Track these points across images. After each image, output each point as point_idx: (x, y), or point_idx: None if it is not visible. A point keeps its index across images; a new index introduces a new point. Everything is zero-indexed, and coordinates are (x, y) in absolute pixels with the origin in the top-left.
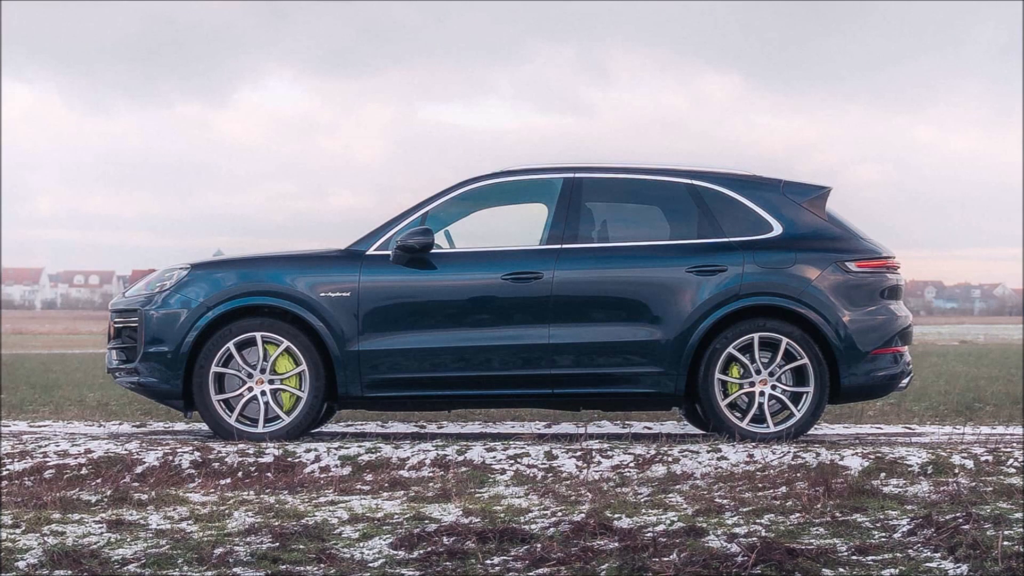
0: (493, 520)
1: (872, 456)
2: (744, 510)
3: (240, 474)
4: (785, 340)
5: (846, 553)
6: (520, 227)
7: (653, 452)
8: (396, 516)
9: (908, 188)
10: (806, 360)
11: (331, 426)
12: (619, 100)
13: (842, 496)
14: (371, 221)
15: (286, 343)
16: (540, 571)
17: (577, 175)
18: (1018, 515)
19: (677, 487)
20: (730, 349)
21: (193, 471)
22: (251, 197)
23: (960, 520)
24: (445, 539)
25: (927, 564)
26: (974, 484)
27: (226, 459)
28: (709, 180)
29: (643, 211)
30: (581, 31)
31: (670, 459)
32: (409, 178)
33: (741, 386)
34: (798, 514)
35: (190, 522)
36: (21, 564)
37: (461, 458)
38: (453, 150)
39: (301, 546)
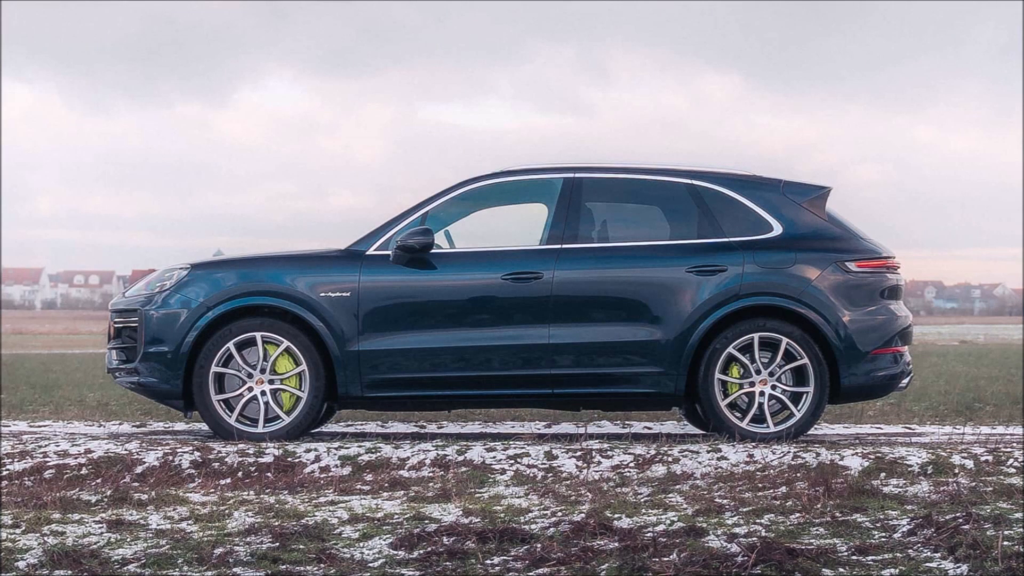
0: (493, 520)
1: (872, 456)
2: (744, 510)
3: (240, 474)
4: (785, 340)
5: (846, 553)
6: (520, 227)
7: (653, 452)
8: (396, 516)
9: (908, 188)
10: (806, 360)
11: (331, 426)
12: (619, 100)
13: (842, 496)
14: (371, 221)
15: (286, 343)
16: (540, 571)
17: (577, 175)
18: (1018, 515)
19: (677, 487)
20: (730, 349)
21: (193, 471)
22: (251, 197)
23: (960, 520)
24: (445, 539)
25: (927, 564)
26: (974, 484)
27: (226, 459)
28: (709, 180)
29: (643, 211)
30: (581, 31)
31: (670, 459)
32: (409, 178)
33: (741, 386)
34: (798, 514)
35: (190, 522)
36: (21, 564)
37: (461, 458)
38: (453, 150)
39: (301, 546)
